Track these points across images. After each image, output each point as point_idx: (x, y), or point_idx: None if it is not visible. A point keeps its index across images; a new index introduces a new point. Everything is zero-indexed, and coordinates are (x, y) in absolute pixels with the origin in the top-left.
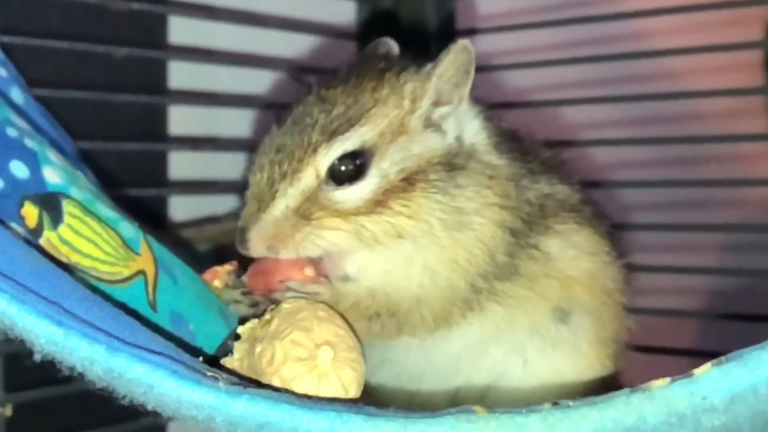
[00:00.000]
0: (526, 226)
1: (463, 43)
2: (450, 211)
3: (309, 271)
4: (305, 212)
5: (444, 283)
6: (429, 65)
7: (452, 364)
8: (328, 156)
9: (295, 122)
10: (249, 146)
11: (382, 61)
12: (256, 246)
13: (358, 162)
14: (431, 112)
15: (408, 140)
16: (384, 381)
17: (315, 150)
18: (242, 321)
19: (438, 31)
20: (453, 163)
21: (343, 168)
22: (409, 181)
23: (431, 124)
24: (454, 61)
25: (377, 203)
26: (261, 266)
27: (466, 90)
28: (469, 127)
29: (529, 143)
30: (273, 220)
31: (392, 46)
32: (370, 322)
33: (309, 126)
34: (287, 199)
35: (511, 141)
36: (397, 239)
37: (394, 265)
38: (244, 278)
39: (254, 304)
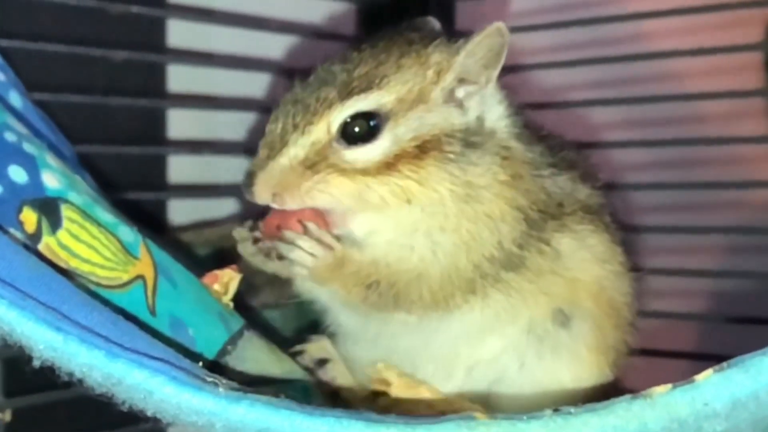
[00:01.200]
0: (542, 217)
1: (497, 25)
2: (460, 184)
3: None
4: (313, 165)
5: (445, 259)
6: (460, 41)
7: (448, 349)
8: (341, 113)
9: (316, 79)
10: (248, 149)
11: (415, 33)
12: (261, 192)
13: (372, 123)
14: (455, 87)
15: (426, 110)
16: (377, 357)
17: (330, 106)
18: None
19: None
20: (470, 140)
21: (356, 128)
22: (422, 149)
23: (453, 100)
24: (486, 42)
25: (387, 166)
26: (278, 214)
27: (495, 72)
28: (492, 111)
29: (556, 142)
30: (280, 167)
31: (434, 23)
32: (368, 290)
33: (329, 83)
34: (296, 149)
35: (536, 135)
36: (404, 204)
37: (400, 233)
38: (260, 225)
39: (266, 253)
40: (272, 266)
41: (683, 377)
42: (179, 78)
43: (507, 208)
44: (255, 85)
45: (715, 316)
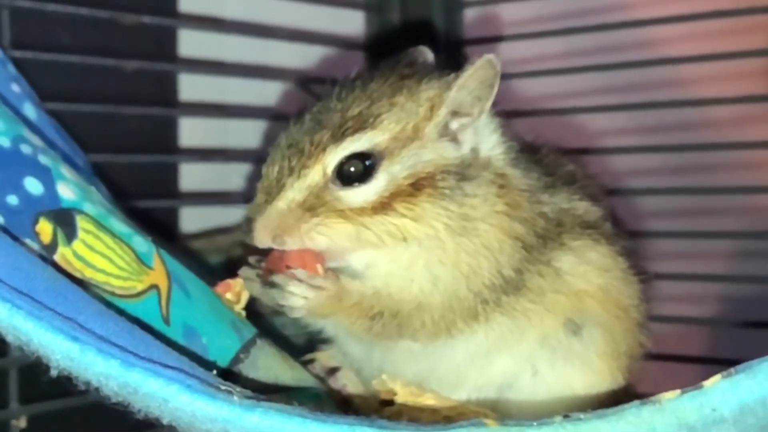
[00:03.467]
0: (541, 241)
1: (488, 57)
2: (456, 218)
3: (320, 269)
4: (311, 207)
5: (445, 290)
6: (452, 75)
7: (455, 372)
8: (336, 155)
9: (310, 119)
10: (259, 157)
11: (407, 68)
12: (261, 236)
13: (367, 163)
14: (449, 121)
15: (420, 146)
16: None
17: (324, 149)
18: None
19: (446, 41)
20: (464, 173)
21: (351, 169)
22: (416, 186)
23: (448, 134)
24: (478, 74)
25: (383, 205)
26: (278, 253)
27: (488, 104)
28: (487, 141)
29: (552, 157)
30: (278, 212)
31: (427, 54)
32: (372, 321)
33: (323, 124)
34: (293, 192)
35: (532, 155)
36: (401, 242)
37: (398, 267)
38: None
39: (270, 285)
40: (276, 306)
41: (693, 382)
42: (190, 87)
43: (505, 238)
44: (265, 93)
45: (725, 320)
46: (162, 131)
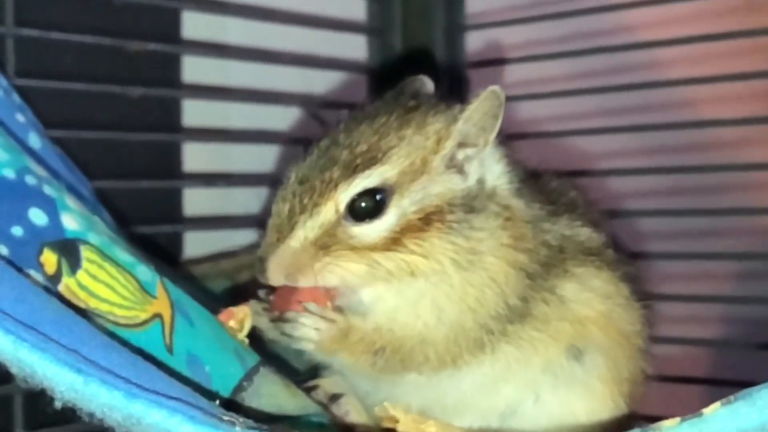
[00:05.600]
0: (544, 269)
1: (493, 89)
2: (463, 252)
3: (329, 305)
4: (324, 244)
5: (451, 324)
6: (457, 107)
7: (461, 402)
8: (347, 192)
9: (319, 155)
10: (262, 181)
11: (411, 99)
12: (274, 275)
13: (377, 198)
14: (455, 153)
15: (429, 180)
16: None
17: (336, 186)
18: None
19: (447, 64)
20: (471, 204)
21: (363, 204)
22: (425, 221)
23: (454, 165)
24: (483, 106)
25: (393, 240)
26: (288, 288)
27: (493, 134)
28: (492, 171)
29: (555, 184)
30: (290, 250)
31: (427, 84)
32: (375, 356)
33: (332, 160)
34: (306, 230)
35: (535, 183)
36: (408, 276)
37: (404, 302)
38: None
39: (274, 320)
40: (286, 340)
41: (696, 403)
42: (194, 112)
43: (510, 270)
44: (268, 117)
45: (729, 341)
46: (166, 157)
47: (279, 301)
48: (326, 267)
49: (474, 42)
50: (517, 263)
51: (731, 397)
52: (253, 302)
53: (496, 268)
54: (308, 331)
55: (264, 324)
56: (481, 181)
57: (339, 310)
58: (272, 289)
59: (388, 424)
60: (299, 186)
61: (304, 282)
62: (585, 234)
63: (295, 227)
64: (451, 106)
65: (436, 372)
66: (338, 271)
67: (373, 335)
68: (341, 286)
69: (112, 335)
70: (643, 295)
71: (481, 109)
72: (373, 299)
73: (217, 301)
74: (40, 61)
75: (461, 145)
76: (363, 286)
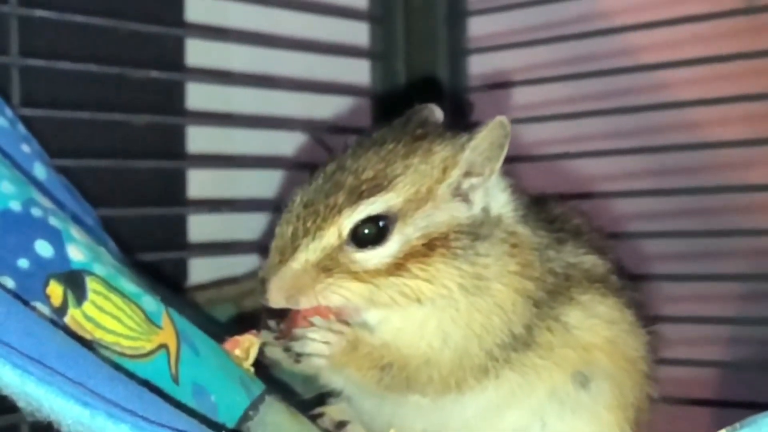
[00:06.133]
0: (550, 297)
1: (500, 119)
2: (469, 277)
3: (333, 318)
4: (325, 267)
5: (456, 348)
6: (464, 136)
7: (466, 427)
8: (351, 218)
9: (325, 180)
10: (267, 207)
11: (419, 127)
12: (275, 296)
13: (381, 225)
14: (461, 182)
15: (434, 207)
16: None
17: (340, 211)
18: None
19: (450, 89)
20: (476, 232)
21: (366, 231)
22: (429, 246)
23: (459, 194)
24: (490, 136)
25: (397, 266)
26: (294, 313)
27: (498, 164)
28: (497, 199)
29: (559, 210)
30: (292, 272)
31: (435, 112)
32: (382, 372)
33: (338, 186)
34: (308, 253)
35: (540, 210)
36: (414, 302)
37: (410, 324)
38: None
39: (286, 349)
40: (300, 366)
41: (703, 425)
42: (198, 139)
43: (517, 297)
44: (273, 143)
45: (736, 363)
46: (170, 183)
47: (287, 326)
48: (328, 288)
49: (477, 66)
50: (524, 291)
51: (737, 425)
52: (264, 332)
53: (503, 295)
54: (318, 346)
55: (278, 354)
56: (486, 210)
57: (345, 322)
58: (281, 318)
59: None
60: (303, 209)
61: (305, 303)
62: (590, 261)
63: (297, 249)
64: (458, 135)
65: (440, 395)
66: (340, 292)
67: (381, 350)
68: (344, 307)
69: (118, 366)
70: (649, 321)
71: (488, 139)
72: (379, 321)
73: (222, 328)
74: (44, 91)
75: (467, 174)
76: (366, 309)
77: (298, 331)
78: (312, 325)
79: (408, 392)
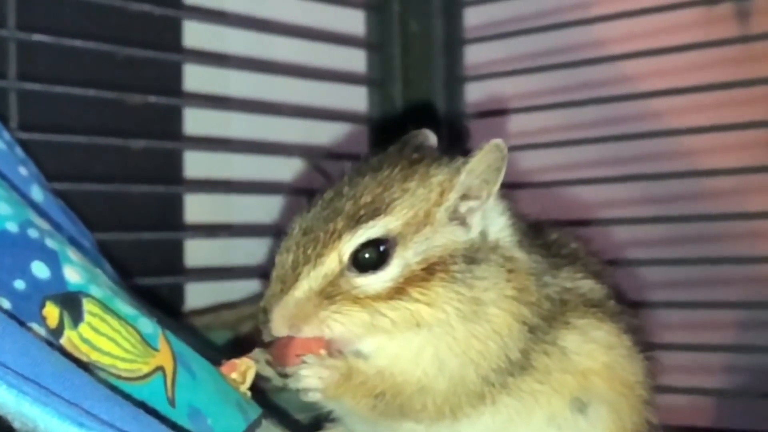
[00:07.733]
0: (546, 323)
1: (496, 142)
2: (467, 301)
3: (323, 353)
4: (327, 294)
5: (452, 376)
6: (460, 159)
7: None
8: (351, 243)
9: (323, 207)
10: (264, 232)
11: (415, 152)
12: (277, 326)
13: (381, 249)
14: (458, 205)
15: (432, 231)
16: None
17: (339, 236)
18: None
19: (447, 115)
20: (474, 256)
21: (366, 255)
22: (428, 271)
23: (457, 217)
24: (486, 159)
25: (397, 290)
26: (285, 340)
27: (495, 187)
28: (494, 223)
29: (555, 236)
30: (294, 301)
31: (430, 137)
32: (376, 400)
33: (336, 212)
34: (309, 281)
35: (537, 235)
36: (413, 327)
37: (407, 351)
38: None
39: (282, 375)
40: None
41: None
42: (196, 163)
43: (514, 323)
44: (270, 168)
45: (733, 391)
46: (168, 208)
47: (277, 353)
48: (331, 316)
49: (474, 93)
50: (520, 316)
51: None
52: (257, 351)
53: (500, 320)
54: (311, 381)
55: (270, 372)
56: (483, 234)
57: (339, 353)
58: (270, 343)
59: None
60: (303, 237)
61: (308, 332)
62: (587, 286)
63: (299, 278)
64: (454, 159)
65: (435, 422)
66: (342, 320)
67: (374, 379)
68: (343, 336)
69: (114, 389)
70: (646, 346)
71: (484, 162)
72: (374, 348)
73: (219, 352)
74: (42, 115)
75: (464, 197)
76: (366, 336)
77: (290, 370)
78: (303, 362)
79: (402, 419)
